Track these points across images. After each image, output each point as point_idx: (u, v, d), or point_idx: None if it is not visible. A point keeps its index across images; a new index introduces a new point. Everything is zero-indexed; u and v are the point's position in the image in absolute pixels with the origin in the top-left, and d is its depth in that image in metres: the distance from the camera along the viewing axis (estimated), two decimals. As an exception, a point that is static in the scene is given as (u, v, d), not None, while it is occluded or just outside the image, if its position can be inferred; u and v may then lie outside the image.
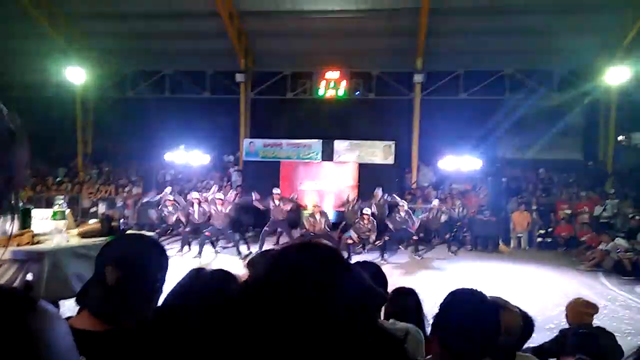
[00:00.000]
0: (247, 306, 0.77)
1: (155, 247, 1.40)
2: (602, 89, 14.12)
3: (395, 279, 8.00)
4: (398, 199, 11.64)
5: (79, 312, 1.49)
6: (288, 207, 11.55)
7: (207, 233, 10.70)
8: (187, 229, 11.08)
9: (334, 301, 0.74)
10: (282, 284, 0.75)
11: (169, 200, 11.71)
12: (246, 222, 12.66)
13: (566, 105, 14.53)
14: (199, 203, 11.32)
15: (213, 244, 11.06)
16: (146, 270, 1.32)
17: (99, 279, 1.29)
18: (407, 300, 2.89)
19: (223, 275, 1.27)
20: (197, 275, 1.30)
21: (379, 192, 11.99)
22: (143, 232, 5.14)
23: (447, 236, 12.04)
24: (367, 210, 10.99)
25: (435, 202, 12.26)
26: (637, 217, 11.35)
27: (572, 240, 12.32)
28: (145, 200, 13.38)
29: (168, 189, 12.38)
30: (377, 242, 10.87)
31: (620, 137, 16.32)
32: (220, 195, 11.49)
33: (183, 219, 11.33)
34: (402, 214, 11.04)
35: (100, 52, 15.62)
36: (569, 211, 13.18)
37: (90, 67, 15.49)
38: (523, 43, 13.79)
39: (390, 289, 2.84)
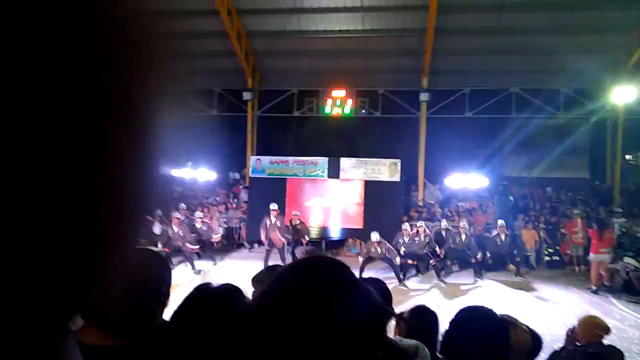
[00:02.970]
0: (256, 324, 0.77)
1: (158, 260, 1.41)
2: (609, 108, 14.10)
3: (406, 298, 7.94)
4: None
5: (84, 327, 1.50)
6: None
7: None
8: (192, 247, 11.07)
9: (344, 317, 0.73)
10: (291, 303, 0.74)
11: (175, 218, 11.53)
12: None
13: (572, 124, 14.53)
14: (202, 222, 11.34)
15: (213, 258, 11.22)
16: (150, 281, 1.32)
17: (103, 292, 1.30)
18: (426, 320, 2.85)
19: (231, 290, 1.28)
20: (205, 290, 1.31)
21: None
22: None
23: (473, 261, 10.90)
24: (420, 223, 11.15)
25: (444, 223, 12.09)
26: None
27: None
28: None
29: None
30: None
31: (627, 156, 16.23)
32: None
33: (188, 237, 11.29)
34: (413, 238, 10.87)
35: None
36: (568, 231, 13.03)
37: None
38: (529, 62, 13.85)
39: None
